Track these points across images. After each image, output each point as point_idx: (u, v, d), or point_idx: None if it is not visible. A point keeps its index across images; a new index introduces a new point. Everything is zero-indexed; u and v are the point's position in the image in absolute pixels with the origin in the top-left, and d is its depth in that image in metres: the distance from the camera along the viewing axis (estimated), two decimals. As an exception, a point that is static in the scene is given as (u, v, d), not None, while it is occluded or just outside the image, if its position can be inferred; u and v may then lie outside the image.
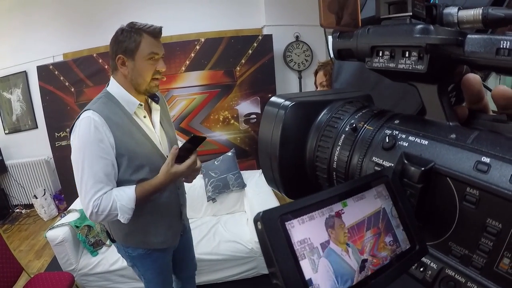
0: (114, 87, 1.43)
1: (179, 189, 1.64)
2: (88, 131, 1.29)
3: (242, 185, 3.24)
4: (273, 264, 0.20)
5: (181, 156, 1.39)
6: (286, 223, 0.22)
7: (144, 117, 1.48)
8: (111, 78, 1.46)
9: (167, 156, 1.46)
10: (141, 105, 1.45)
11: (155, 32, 1.38)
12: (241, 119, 4.12)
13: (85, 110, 1.35)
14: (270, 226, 0.21)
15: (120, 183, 1.40)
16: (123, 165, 1.38)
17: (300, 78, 4.37)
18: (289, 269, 0.21)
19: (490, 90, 0.46)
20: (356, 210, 0.26)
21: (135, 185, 1.37)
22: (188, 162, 1.38)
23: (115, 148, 1.34)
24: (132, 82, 1.41)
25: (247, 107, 4.09)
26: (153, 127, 1.52)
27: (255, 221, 0.21)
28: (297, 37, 4.25)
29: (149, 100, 1.54)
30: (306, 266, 0.21)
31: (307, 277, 0.21)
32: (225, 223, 3.04)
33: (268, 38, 4.02)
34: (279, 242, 0.21)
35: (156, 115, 1.54)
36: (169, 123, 1.66)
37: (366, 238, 0.26)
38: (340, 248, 0.24)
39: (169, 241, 1.64)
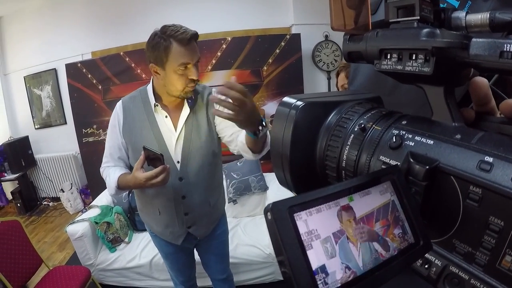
0: (150, 84, 1.53)
1: (184, 198, 1.54)
2: (112, 115, 1.55)
3: (264, 188, 3.14)
4: (282, 253, 0.22)
5: (152, 162, 1.34)
6: (294, 214, 0.23)
7: (166, 117, 1.48)
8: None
9: (178, 162, 1.50)
10: (156, 105, 1.46)
11: (185, 40, 1.31)
12: (267, 119, 4.01)
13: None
14: (279, 217, 0.22)
15: (129, 168, 1.56)
16: (130, 152, 1.55)
17: (329, 78, 4.25)
18: (296, 258, 0.22)
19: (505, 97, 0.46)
20: (362, 204, 0.27)
21: (122, 172, 1.49)
22: (148, 173, 1.31)
23: (123, 135, 1.52)
24: (165, 89, 1.42)
25: (274, 107, 3.96)
26: (175, 129, 1.50)
27: (265, 211, 0.23)
28: (326, 36, 4.12)
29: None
30: (312, 255, 0.23)
31: (313, 265, 0.23)
32: (244, 226, 2.98)
33: (296, 37, 3.93)
34: (287, 232, 0.22)
35: (182, 117, 1.49)
36: (203, 129, 1.52)
37: (376, 229, 0.27)
38: (349, 239, 0.25)
39: (167, 237, 1.65)
